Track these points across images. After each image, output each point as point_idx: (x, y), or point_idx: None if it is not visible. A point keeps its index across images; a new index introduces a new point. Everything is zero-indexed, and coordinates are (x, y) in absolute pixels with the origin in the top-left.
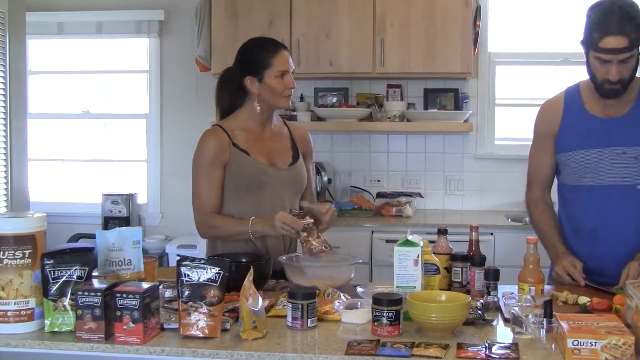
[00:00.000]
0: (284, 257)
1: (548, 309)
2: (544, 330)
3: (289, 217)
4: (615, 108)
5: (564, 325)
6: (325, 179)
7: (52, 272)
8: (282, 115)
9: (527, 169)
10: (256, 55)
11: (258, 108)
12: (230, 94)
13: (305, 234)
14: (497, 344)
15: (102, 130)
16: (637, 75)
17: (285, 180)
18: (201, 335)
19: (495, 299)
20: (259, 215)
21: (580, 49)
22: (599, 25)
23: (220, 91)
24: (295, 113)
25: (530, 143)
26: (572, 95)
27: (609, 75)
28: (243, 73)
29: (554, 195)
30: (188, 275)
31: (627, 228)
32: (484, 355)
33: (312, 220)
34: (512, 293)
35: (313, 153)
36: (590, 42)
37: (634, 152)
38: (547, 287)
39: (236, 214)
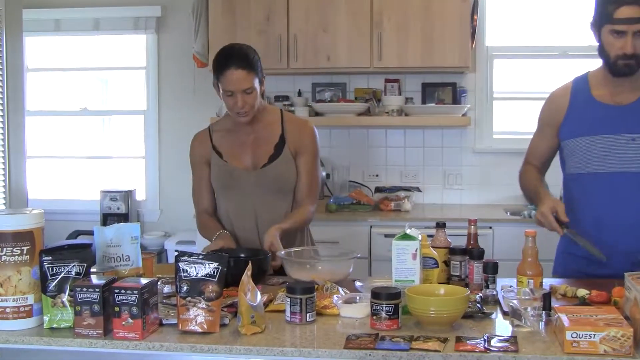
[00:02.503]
0: (283, 252)
1: (547, 301)
2: (543, 323)
3: None
4: (624, 96)
5: (563, 317)
6: (324, 174)
7: (50, 268)
8: None
9: None
10: (213, 67)
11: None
12: None
13: None
14: (496, 337)
15: (100, 127)
16: None
17: (254, 183)
18: (200, 330)
19: (494, 292)
20: (231, 215)
21: (578, 42)
22: None
23: None
24: (293, 108)
25: (529, 137)
26: (580, 84)
27: (624, 49)
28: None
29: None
30: (186, 271)
31: (635, 216)
32: (482, 348)
33: None
34: (510, 286)
35: (313, 146)
36: (605, 16)
37: None
38: (546, 280)
39: (219, 211)
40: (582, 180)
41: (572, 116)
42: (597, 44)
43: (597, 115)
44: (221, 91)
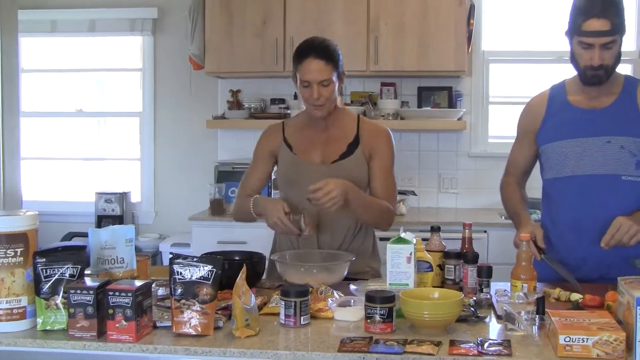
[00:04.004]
0: (277, 255)
1: (540, 305)
2: (537, 326)
3: (285, 220)
4: (599, 100)
5: (556, 321)
6: None
7: (44, 270)
8: None
9: None
10: (293, 57)
11: (304, 106)
12: None
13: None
14: (490, 341)
15: (96, 128)
16: (620, 67)
17: (321, 177)
18: (194, 333)
19: (488, 296)
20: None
21: None
22: (583, 9)
23: None
24: (289, 112)
25: None
26: (557, 90)
27: (592, 61)
28: None
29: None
30: (181, 273)
31: (609, 218)
32: (476, 352)
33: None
34: (504, 290)
35: (389, 151)
36: (574, 28)
37: (620, 141)
38: (539, 285)
39: None
40: (559, 184)
41: (549, 122)
42: (570, 52)
43: (573, 119)
44: (298, 82)
